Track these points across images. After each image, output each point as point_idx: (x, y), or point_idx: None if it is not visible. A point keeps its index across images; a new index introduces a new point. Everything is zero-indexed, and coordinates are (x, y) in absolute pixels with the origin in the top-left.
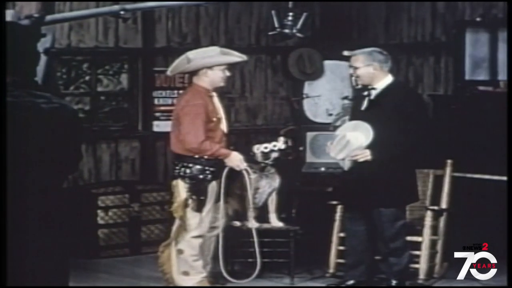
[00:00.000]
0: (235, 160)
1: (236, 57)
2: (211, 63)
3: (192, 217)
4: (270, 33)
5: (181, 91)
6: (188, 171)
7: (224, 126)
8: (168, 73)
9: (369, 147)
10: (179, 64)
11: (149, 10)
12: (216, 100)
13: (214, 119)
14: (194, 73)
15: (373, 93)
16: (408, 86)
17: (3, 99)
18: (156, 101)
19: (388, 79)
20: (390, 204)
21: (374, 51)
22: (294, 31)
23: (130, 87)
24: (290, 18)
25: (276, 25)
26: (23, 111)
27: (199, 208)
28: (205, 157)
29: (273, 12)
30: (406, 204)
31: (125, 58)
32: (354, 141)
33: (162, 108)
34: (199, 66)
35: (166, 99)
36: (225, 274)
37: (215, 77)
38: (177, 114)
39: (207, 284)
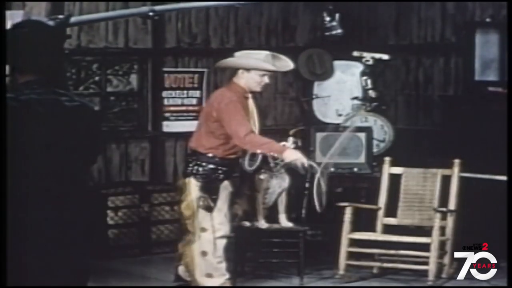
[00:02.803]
0: (295, 155)
1: (273, 65)
2: (243, 65)
3: (203, 217)
4: (327, 33)
5: (190, 91)
6: (201, 169)
7: (256, 129)
8: (216, 64)
9: None
10: (226, 60)
11: (181, 11)
12: (250, 102)
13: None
14: (234, 72)
15: None
16: None
17: (3, 98)
18: (165, 102)
19: None
20: None
21: None
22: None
23: (140, 87)
24: (337, 18)
25: (328, 25)
26: (48, 107)
27: (210, 207)
28: (219, 156)
29: (324, 13)
30: None
31: (135, 58)
32: None
33: (172, 108)
34: (232, 65)
35: (175, 100)
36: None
37: (249, 80)
38: (209, 110)
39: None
